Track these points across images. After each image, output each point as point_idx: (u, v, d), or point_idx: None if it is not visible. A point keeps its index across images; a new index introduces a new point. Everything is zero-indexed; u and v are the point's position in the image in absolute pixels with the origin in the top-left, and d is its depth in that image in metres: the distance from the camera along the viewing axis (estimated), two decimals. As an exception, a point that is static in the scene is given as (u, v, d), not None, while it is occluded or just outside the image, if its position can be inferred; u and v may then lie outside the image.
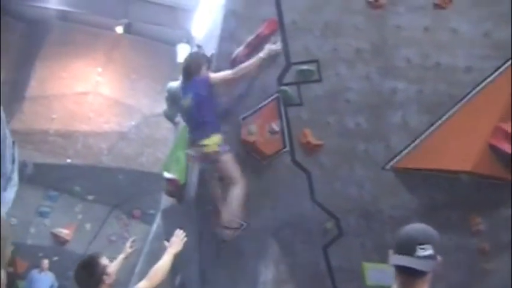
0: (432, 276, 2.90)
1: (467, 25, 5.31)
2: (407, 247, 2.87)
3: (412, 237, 2.90)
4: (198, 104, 6.13)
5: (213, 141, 6.03)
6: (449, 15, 5.33)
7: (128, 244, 5.96)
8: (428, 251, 2.84)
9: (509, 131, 5.04)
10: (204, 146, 6.05)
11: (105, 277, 4.58)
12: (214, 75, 6.20)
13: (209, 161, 6.21)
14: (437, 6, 5.36)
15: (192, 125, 6.33)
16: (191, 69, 6.30)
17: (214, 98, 6.20)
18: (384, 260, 5.37)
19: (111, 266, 4.81)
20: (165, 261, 4.97)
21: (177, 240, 5.13)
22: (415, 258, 2.83)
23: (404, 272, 2.89)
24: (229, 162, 6.13)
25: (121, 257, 5.76)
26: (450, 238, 5.39)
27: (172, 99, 8.45)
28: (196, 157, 6.36)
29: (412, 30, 5.44)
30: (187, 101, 6.22)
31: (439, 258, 2.88)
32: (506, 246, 5.39)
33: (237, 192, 6.14)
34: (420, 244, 2.85)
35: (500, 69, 5.21)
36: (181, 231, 5.21)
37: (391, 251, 2.96)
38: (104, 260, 4.69)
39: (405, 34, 5.45)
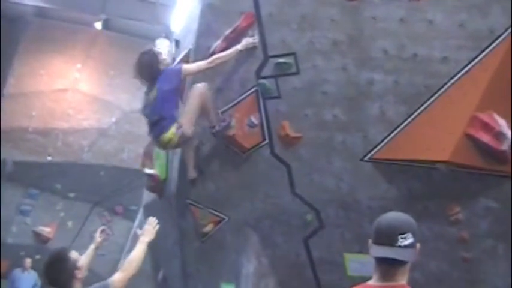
0: (411, 264, 2.89)
1: (442, 16, 5.33)
2: (388, 237, 2.83)
3: (392, 227, 2.87)
4: (163, 96, 6.05)
5: (171, 132, 5.98)
6: (425, 6, 5.35)
7: (97, 234, 5.66)
8: (409, 239, 2.81)
9: (487, 120, 5.08)
10: (166, 141, 6.06)
11: (76, 272, 4.44)
12: (188, 66, 6.16)
13: (185, 142, 6.20)
14: (412, -3, 5.40)
15: (152, 121, 6.18)
16: (152, 70, 6.19)
17: (181, 91, 6.18)
18: (363, 250, 5.46)
19: (81, 259, 4.69)
20: (138, 251, 4.82)
21: (150, 228, 4.97)
22: (397, 248, 2.80)
23: (385, 262, 2.87)
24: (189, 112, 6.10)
25: (91, 247, 5.54)
26: (429, 227, 5.43)
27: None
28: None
29: (388, 22, 5.45)
30: (153, 92, 6.12)
31: (418, 245, 2.87)
32: (486, 235, 5.44)
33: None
34: (401, 234, 2.82)
35: (476, 60, 5.26)
36: (154, 218, 5.06)
37: (370, 241, 2.94)
38: (74, 254, 4.54)
39: (381, 25, 5.47)
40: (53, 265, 4.51)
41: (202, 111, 6.08)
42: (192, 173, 6.44)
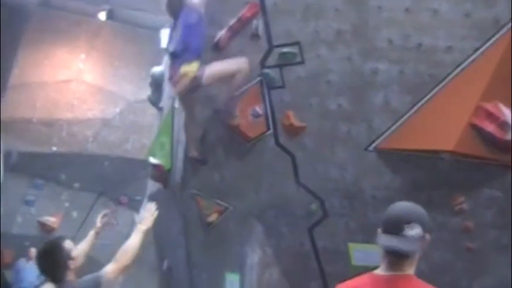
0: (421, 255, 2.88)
1: (447, 5, 5.34)
2: (394, 226, 2.84)
3: (399, 216, 2.88)
4: (186, 30, 6.04)
5: (193, 66, 5.95)
6: (430, -5, 5.36)
7: (98, 219, 5.56)
8: (416, 229, 2.81)
9: (491, 110, 5.08)
10: (182, 74, 6.00)
11: (70, 262, 4.38)
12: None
13: (192, 89, 6.13)
14: (417, -14, 5.39)
15: (176, 52, 6.17)
16: (175, 5, 6.23)
17: (202, 27, 6.13)
18: (368, 239, 5.47)
19: (78, 247, 4.61)
20: (133, 240, 4.70)
21: (148, 216, 4.86)
22: (402, 237, 2.80)
23: (391, 252, 2.87)
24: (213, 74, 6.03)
25: (91, 233, 5.44)
26: (433, 217, 5.37)
27: (157, 84, 8.44)
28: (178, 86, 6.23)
29: (393, 11, 5.46)
30: (178, 28, 6.16)
31: (427, 236, 2.85)
32: (490, 225, 5.44)
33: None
34: (407, 223, 2.82)
35: (481, 49, 5.25)
36: (153, 204, 4.94)
37: (379, 230, 2.93)
38: (68, 244, 4.47)
39: (386, 15, 5.47)
40: (46, 255, 4.46)
41: (226, 80, 6.04)
42: (192, 152, 6.46)
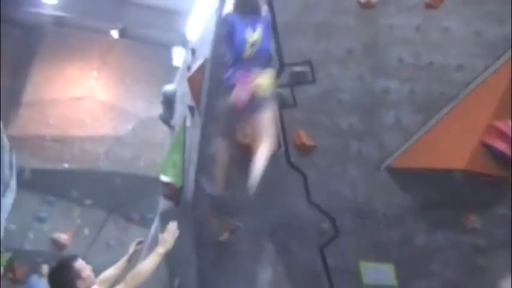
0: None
1: (458, 24, 5.35)
2: None
3: None
4: (267, 39, 5.74)
5: (267, 81, 5.61)
6: (441, 14, 5.37)
7: (132, 246, 5.23)
8: None
9: (502, 128, 5.07)
10: (260, 86, 5.60)
11: (78, 282, 4.29)
12: None
13: (252, 106, 5.62)
14: (428, 5, 5.41)
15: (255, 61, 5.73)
16: (254, 3, 5.83)
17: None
18: (379, 258, 5.45)
19: (87, 269, 4.53)
20: (149, 263, 4.46)
21: (168, 238, 4.59)
22: None
23: None
24: (270, 118, 5.61)
25: (123, 259, 5.17)
26: (445, 236, 5.42)
27: (168, 102, 8.48)
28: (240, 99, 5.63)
29: (404, 30, 5.48)
30: (256, 34, 5.70)
31: None
32: (502, 243, 5.41)
33: (264, 152, 5.58)
34: None
35: (491, 68, 5.26)
36: (175, 224, 4.68)
37: None
38: (79, 264, 4.38)
39: (397, 34, 5.49)
40: (56, 273, 4.42)
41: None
42: (217, 188, 6.11)
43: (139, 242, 5.30)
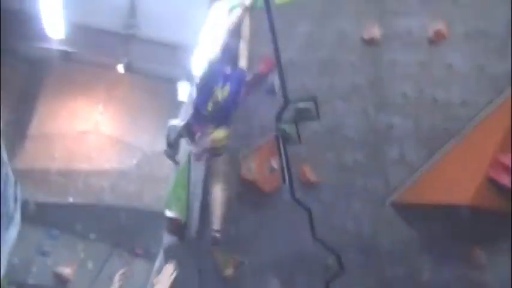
0: None
1: (461, 60, 5.37)
2: None
3: None
4: (233, 99, 6.02)
5: (225, 135, 5.99)
6: (444, 50, 5.40)
7: (116, 277, 5.21)
8: None
9: (508, 163, 5.06)
10: (216, 139, 5.99)
11: None
12: None
13: (212, 155, 6.13)
14: (431, 41, 5.45)
15: (213, 118, 6.11)
16: (235, 55, 6.16)
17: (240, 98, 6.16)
18: (385, 295, 5.41)
19: None
20: None
21: (164, 281, 4.55)
22: None
23: None
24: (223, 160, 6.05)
25: None
26: (451, 271, 5.38)
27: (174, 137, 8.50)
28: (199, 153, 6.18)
29: (408, 66, 5.50)
30: (225, 91, 6.05)
31: None
32: (508, 279, 5.37)
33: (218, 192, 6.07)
34: None
35: (495, 103, 5.27)
36: (172, 266, 4.69)
37: None
38: None
39: (401, 69, 5.52)
40: None
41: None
42: (215, 228, 6.31)
43: (123, 274, 5.27)
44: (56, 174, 16.92)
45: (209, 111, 6.07)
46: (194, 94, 7.93)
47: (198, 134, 6.19)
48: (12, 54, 17.60)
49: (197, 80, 7.61)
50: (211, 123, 5.98)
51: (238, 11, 6.21)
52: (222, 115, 5.97)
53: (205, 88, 6.13)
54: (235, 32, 6.20)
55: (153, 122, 17.29)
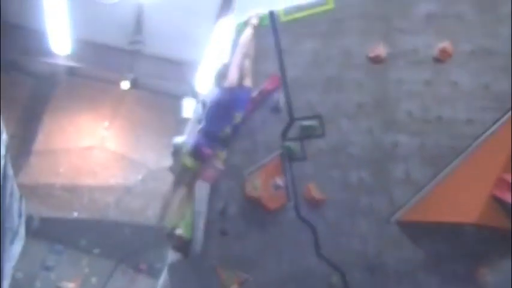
0: None
1: (467, 78, 5.38)
2: None
3: None
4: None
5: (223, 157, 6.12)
6: (449, 68, 5.41)
7: None
8: None
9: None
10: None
11: None
12: None
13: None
14: (437, 60, 5.46)
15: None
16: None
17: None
18: (390, 314, 5.38)
19: None
20: None
21: None
22: None
23: None
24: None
25: None
26: (458, 290, 5.37)
27: (179, 154, 8.50)
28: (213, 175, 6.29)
29: (413, 84, 5.51)
30: (239, 117, 6.16)
31: None
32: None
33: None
34: None
35: (501, 121, 5.27)
36: None
37: None
38: None
39: (406, 88, 5.52)
40: None
41: None
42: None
43: None
44: (60, 190, 16.97)
45: (227, 134, 6.13)
46: (204, 116, 7.93)
47: (208, 155, 6.24)
48: (19, 69, 17.72)
49: (206, 100, 7.62)
50: (224, 145, 6.04)
51: (248, 31, 6.23)
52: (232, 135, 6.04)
53: (223, 112, 6.15)
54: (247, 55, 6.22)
55: (158, 138, 17.34)
